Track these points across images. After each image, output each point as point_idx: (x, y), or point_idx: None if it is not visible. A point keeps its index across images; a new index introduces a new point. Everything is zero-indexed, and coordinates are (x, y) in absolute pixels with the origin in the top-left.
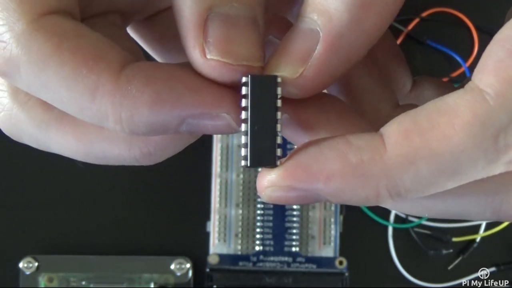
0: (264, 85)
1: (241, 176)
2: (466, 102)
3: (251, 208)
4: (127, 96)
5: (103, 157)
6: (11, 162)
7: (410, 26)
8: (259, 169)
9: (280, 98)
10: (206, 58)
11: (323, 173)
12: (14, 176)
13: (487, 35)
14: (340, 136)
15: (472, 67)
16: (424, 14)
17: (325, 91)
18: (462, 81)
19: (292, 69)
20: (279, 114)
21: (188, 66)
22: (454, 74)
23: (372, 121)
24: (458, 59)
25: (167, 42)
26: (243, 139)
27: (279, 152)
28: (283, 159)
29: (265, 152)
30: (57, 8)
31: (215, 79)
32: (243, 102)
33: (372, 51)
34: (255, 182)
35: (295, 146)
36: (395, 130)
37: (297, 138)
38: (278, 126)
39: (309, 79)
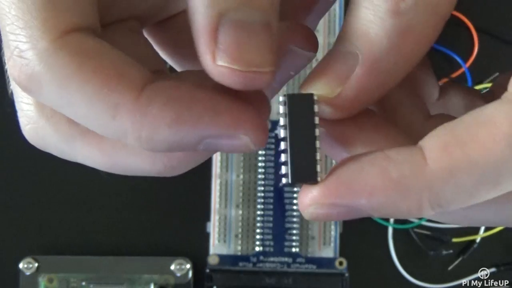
0: (302, 103)
1: (241, 176)
2: (505, 113)
3: (251, 209)
4: (148, 115)
5: (128, 170)
6: (11, 162)
7: None
8: (295, 188)
9: (317, 116)
10: (216, 64)
11: (365, 189)
12: (14, 176)
13: (487, 36)
14: (379, 151)
15: (472, 68)
16: None
17: None
18: (461, 81)
19: (330, 89)
20: (317, 131)
21: (208, 86)
22: (454, 75)
23: (406, 133)
24: (458, 59)
25: (179, 46)
26: (282, 157)
27: (319, 168)
28: (323, 176)
29: (306, 169)
30: (79, 25)
31: (228, 86)
32: (281, 121)
33: None
34: (255, 183)
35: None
36: (434, 143)
37: (334, 152)
38: (317, 143)
39: (346, 100)
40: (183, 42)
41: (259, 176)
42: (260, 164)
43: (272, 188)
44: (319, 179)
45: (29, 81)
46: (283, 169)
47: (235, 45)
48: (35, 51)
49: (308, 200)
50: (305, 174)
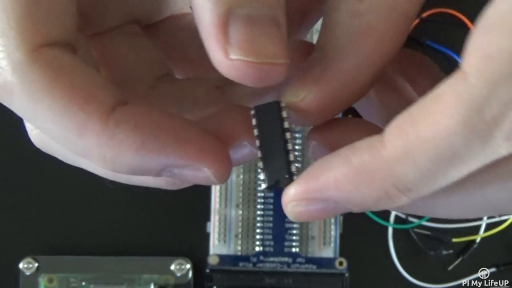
0: (269, 111)
1: (241, 176)
2: (451, 86)
3: (251, 209)
4: (113, 138)
5: (130, 181)
6: (12, 163)
7: None
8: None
9: (286, 120)
10: (230, 59)
11: (331, 179)
12: (15, 177)
13: None
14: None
15: None
16: (424, 15)
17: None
18: None
19: (295, 94)
20: (287, 134)
21: (179, 116)
22: None
23: None
24: (458, 59)
25: (170, 49)
26: (260, 165)
27: (294, 168)
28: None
29: (279, 172)
30: (56, 39)
31: (242, 82)
32: (254, 132)
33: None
34: (255, 183)
35: None
36: (392, 126)
37: None
38: (289, 145)
39: (311, 103)
40: (174, 45)
41: (259, 176)
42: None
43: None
44: (295, 177)
45: (1, 89)
46: (261, 176)
47: (248, 38)
48: (9, 61)
49: (285, 199)
50: (279, 176)
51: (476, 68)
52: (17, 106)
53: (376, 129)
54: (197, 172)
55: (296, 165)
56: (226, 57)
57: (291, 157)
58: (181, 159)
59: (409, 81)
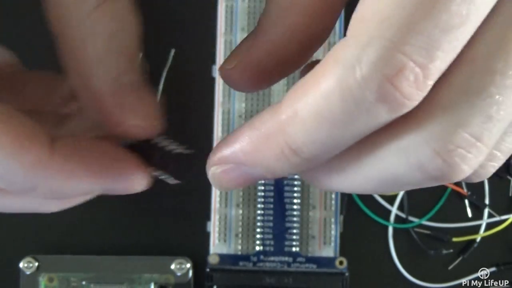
0: None
1: None
2: (333, 49)
3: (251, 208)
4: (63, 171)
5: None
6: None
7: None
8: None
9: None
10: (129, 124)
11: (238, 143)
12: None
13: None
14: None
15: None
16: None
17: None
18: None
19: (229, 62)
20: None
21: (101, 140)
22: None
23: None
24: None
25: None
26: None
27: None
28: None
29: None
30: None
31: (132, 138)
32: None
33: None
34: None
35: None
36: (289, 90)
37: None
38: None
39: (240, 70)
40: None
41: None
42: None
43: (272, 188)
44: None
45: None
46: None
47: (137, 105)
48: None
49: (207, 166)
50: None
51: (351, 30)
52: None
53: None
54: (127, 184)
55: None
56: (123, 122)
57: None
58: (117, 177)
59: None
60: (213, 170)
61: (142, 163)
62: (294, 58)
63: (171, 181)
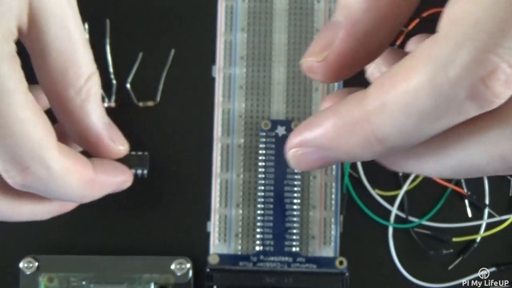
0: None
1: (241, 176)
2: (423, 46)
3: (251, 208)
4: (95, 182)
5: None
6: None
7: (410, 26)
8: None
9: None
10: (119, 149)
11: (321, 126)
12: None
13: None
14: None
15: None
16: (424, 14)
17: None
18: None
19: (318, 54)
20: None
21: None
22: None
23: None
24: None
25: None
26: None
27: None
28: None
29: None
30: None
31: (116, 158)
32: None
33: None
34: (255, 182)
35: None
36: (375, 81)
37: None
38: None
39: (331, 62)
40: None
41: (260, 176)
42: (260, 164)
43: (272, 188)
44: None
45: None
46: None
47: (120, 136)
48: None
49: (286, 147)
50: None
51: (444, 30)
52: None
53: None
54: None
55: None
56: (114, 148)
57: None
58: (123, 181)
59: None
60: (294, 152)
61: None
62: (382, 44)
63: (142, 171)
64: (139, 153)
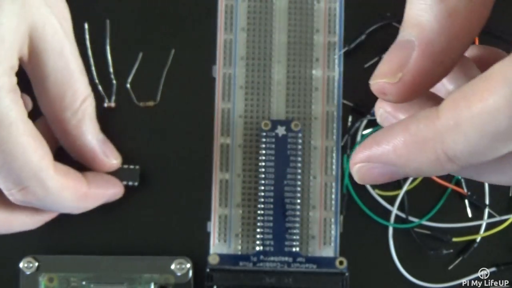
0: None
1: (241, 176)
2: (500, 66)
3: (251, 208)
4: (89, 195)
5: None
6: None
7: None
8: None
9: None
10: (112, 163)
11: (390, 145)
12: None
13: (486, 35)
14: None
15: None
16: None
17: None
18: None
19: (393, 75)
20: None
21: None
22: None
23: None
24: None
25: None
26: None
27: None
28: None
29: None
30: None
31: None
32: None
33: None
34: (255, 182)
35: None
36: (447, 99)
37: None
38: None
39: (407, 83)
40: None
41: (260, 176)
42: (260, 164)
43: (272, 188)
44: None
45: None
46: None
47: (113, 151)
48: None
49: (351, 161)
50: None
51: None
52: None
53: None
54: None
55: None
56: (109, 163)
57: None
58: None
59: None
60: (360, 167)
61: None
62: (455, 61)
63: (133, 183)
64: (131, 166)
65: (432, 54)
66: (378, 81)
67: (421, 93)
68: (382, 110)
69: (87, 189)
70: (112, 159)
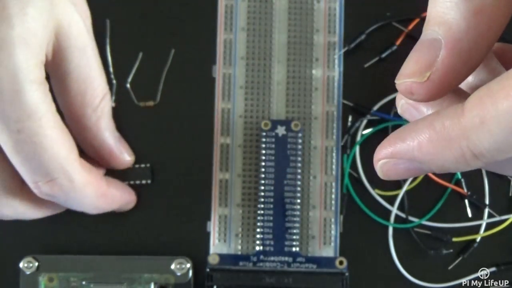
0: None
1: (241, 176)
2: None
3: (251, 208)
4: (107, 195)
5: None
6: None
7: (410, 26)
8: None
9: None
10: (126, 160)
11: (415, 142)
12: None
13: None
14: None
15: None
16: (424, 14)
17: None
18: None
19: (421, 75)
20: None
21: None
22: None
23: None
24: None
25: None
26: None
27: None
28: None
29: None
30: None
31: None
32: None
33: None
34: (255, 182)
35: None
36: (472, 96)
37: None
38: None
39: (436, 82)
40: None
41: (260, 176)
42: (260, 164)
43: (272, 188)
44: None
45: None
46: None
47: (127, 148)
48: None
49: (375, 157)
50: None
51: None
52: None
53: (457, 96)
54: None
55: None
56: (126, 160)
57: None
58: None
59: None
60: (383, 163)
61: (130, 189)
62: (482, 57)
63: (145, 180)
64: (142, 165)
65: (460, 52)
66: (406, 81)
67: (448, 91)
68: (403, 101)
69: (106, 188)
70: (126, 156)
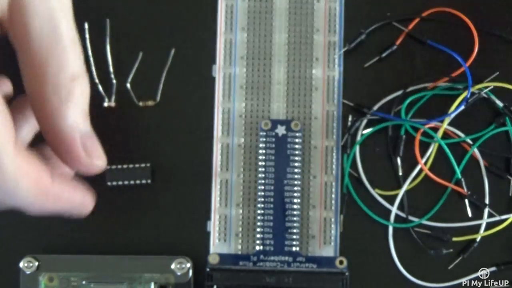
0: None
1: (241, 176)
2: None
3: (251, 208)
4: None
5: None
6: None
7: (411, 26)
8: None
9: None
10: (93, 163)
11: None
12: None
13: (487, 35)
14: None
15: (472, 67)
16: (425, 14)
17: None
18: (462, 81)
19: None
20: None
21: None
22: (454, 74)
23: None
24: (459, 58)
25: None
26: None
27: None
28: None
29: None
30: None
31: (93, 174)
32: None
33: None
34: (255, 182)
35: None
36: None
37: None
38: None
39: None
40: None
41: (260, 175)
42: (260, 163)
43: (272, 187)
44: None
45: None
46: None
47: (97, 150)
48: None
49: None
50: None
51: None
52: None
53: None
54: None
55: None
56: (90, 163)
57: None
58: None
59: None
60: None
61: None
62: None
63: (145, 180)
64: (142, 165)
65: None
66: None
67: None
68: None
69: (49, 184)
70: (93, 158)
